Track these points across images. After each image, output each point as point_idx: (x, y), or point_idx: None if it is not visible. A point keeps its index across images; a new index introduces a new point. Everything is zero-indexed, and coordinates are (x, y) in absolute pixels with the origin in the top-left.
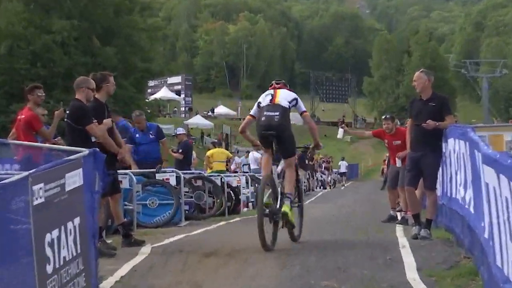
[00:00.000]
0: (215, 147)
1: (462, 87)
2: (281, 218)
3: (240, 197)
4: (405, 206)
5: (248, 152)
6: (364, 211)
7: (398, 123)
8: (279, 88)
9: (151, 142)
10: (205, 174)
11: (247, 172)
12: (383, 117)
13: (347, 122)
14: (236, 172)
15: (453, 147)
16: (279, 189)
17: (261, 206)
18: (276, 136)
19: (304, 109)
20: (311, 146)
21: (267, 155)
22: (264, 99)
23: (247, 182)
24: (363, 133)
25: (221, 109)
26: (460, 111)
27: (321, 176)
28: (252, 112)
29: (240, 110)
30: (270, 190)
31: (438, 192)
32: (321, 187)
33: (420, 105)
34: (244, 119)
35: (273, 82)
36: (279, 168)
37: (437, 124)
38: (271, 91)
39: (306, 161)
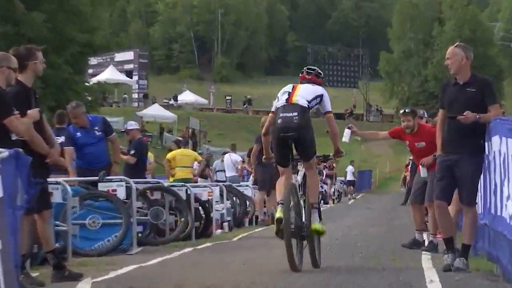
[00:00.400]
0: (179, 148)
1: None
2: (314, 236)
3: (211, 214)
4: (434, 227)
5: (224, 153)
6: (379, 233)
7: (425, 115)
8: (309, 79)
9: (99, 141)
10: (165, 184)
11: (223, 181)
12: (401, 111)
13: (357, 114)
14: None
15: (499, 147)
16: (301, 201)
17: (288, 222)
18: (296, 139)
19: (329, 108)
20: (331, 154)
21: (286, 174)
22: (281, 96)
23: (221, 195)
24: (377, 135)
25: (187, 96)
26: (509, 99)
27: (322, 187)
28: (274, 109)
29: (213, 98)
30: (293, 202)
31: (478, 208)
32: (322, 202)
33: (455, 91)
34: (217, 109)
35: (304, 69)
36: (299, 177)
37: (478, 116)
38: (289, 87)
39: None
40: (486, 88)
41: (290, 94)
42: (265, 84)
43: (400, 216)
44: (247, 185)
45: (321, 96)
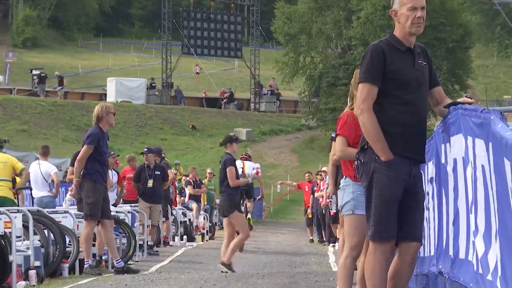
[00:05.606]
0: None
1: (485, 24)
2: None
3: (10, 257)
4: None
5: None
6: None
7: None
8: (245, 159)
9: None
10: None
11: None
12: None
13: (241, 99)
14: None
15: (463, 153)
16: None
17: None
18: (247, 190)
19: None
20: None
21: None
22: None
23: (25, 227)
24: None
25: None
26: (481, 78)
27: (183, 215)
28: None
29: (9, 72)
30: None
31: (427, 247)
32: (183, 237)
33: (407, 61)
34: (18, 91)
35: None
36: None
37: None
38: (241, 164)
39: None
40: (430, 60)
41: (242, 168)
42: (94, 52)
43: (308, 262)
44: (66, 211)
45: (255, 168)
